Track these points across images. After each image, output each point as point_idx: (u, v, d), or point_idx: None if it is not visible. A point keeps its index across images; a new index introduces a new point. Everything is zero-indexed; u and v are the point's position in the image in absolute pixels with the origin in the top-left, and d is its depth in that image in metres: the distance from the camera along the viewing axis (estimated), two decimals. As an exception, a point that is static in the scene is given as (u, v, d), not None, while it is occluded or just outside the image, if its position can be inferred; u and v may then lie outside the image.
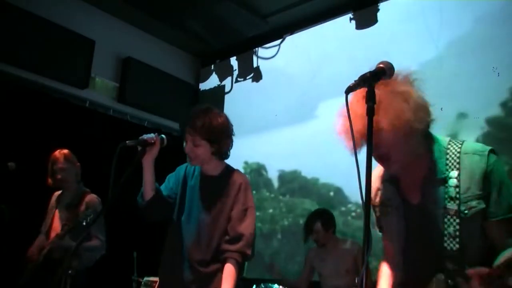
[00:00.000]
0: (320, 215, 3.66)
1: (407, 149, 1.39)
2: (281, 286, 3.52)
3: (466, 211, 1.36)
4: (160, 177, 2.35)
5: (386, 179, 1.57)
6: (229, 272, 2.10)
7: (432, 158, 1.45)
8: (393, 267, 1.61)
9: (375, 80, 1.21)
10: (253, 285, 3.62)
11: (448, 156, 1.43)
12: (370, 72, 1.22)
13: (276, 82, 5.10)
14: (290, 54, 5.04)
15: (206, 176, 2.29)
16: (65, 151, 3.38)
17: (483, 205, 1.36)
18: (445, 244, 1.36)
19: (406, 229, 1.50)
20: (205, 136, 2.16)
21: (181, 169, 2.38)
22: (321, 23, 4.78)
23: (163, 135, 2.18)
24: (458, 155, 1.41)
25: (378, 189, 1.59)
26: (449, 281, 1.34)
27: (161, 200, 2.23)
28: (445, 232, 1.37)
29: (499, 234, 1.37)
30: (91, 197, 3.33)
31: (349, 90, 1.21)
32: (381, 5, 4.29)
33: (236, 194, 2.21)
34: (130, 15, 4.93)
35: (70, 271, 3.07)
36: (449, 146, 1.45)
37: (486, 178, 1.37)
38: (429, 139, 1.47)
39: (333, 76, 4.46)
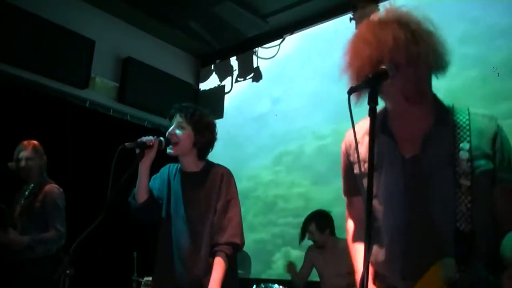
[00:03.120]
0: (315, 216, 3.68)
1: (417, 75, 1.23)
2: (281, 286, 3.52)
3: (474, 171, 1.22)
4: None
5: (380, 130, 1.35)
6: (218, 263, 2.09)
7: (436, 110, 1.31)
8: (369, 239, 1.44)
9: (378, 81, 1.18)
10: (253, 285, 3.62)
11: (456, 120, 1.28)
12: (373, 74, 1.19)
13: (276, 82, 5.10)
14: (290, 54, 5.04)
15: (186, 172, 2.28)
16: (35, 141, 3.32)
17: (491, 166, 1.24)
18: (458, 224, 1.20)
19: (398, 191, 1.28)
20: (192, 122, 2.22)
21: (164, 170, 2.37)
22: (321, 23, 4.79)
23: (161, 138, 2.19)
24: (467, 120, 1.28)
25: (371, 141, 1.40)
26: (461, 266, 1.18)
27: (154, 202, 2.24)
28: (457, 210, 1.21)
29: (509, 205, 1.25)
30: (51, 187, 3.26)
31: (351, 91, 1.19)
32: (381, 5, 4.28)
33: (219, 185, 2.22)
34: (130, 15, 4.93)
35: (68, 271, 3.08)
36: (455, 111, 1.31)
37: (496, 140, 1.26)
38: (428, 89, 1.31)
39: (333, 76, 4.46)
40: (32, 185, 3.26)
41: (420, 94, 1.25)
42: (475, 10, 3.69)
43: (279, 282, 3.70)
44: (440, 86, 1.43)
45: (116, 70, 4.94)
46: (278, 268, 4.35)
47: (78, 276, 3.21)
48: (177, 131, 2.21)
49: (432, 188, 1.26)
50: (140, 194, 2.18)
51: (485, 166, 1.24)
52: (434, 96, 1.34)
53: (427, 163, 1.27)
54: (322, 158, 4.54)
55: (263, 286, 3.54)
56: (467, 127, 1.26)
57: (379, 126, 1.34)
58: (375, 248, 1.36)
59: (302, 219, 3.80)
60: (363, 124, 1.36)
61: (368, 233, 1.06)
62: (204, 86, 5.78)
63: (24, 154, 3.24)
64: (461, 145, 1.24)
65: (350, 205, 1.55)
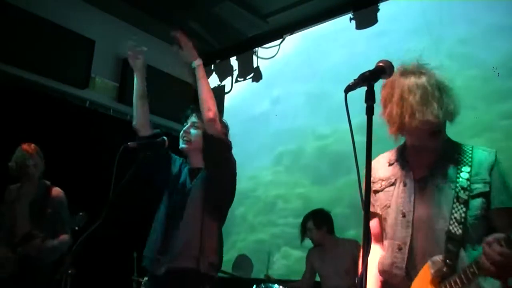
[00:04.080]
0: (313, 214, 3.72)
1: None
2: (281, 287, 3.53)
3: (472, 190, 1.49)
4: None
5: (399, 157, 1.67)
6: None
7: (445, 147, 1.59)
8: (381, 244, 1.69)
9: (375, 79, 1.22)
10: (253, 285, 3.62)
11: (461, 151, 1.58)
12: (369, 71, 1.24)
13: (276, 82, 5.11)
14: (290, 54, 5.04)
15: (193, 168, 2.32)
16: (34, 145, 3.33)
17: (487, 189, 1.49)
18: (450, 228, 1.46)
19: (409, 201, 1.56)
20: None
21: (176, 159, 2.41)
22: (321, 23, 4.79)
23: (164, 137, 2.22)
24: (470, 152, 1.57)
25: (389, 165, 1.69)
26: (448, 261, 1.42)
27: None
28: (452, 216, 1.47)
29: (503, 223, 1.47)
30: (57, 192, 3.31)
31: (348, 89, 1.21)
32: (381, 5, 4.28)
33: None
34: (130, 15, 4.93)
35: (70, 271, 3.09)
36: (461, 145, 1.61)
37: (493, 169, 1.52)
38: (443, 135, 1.60)
39: (333, 76, 4.47)
40: (34, 191, 3.28)
41: (439, 132, 1.56)
42: (475, 10, 3.69)
43: (279, 282, 3.70)
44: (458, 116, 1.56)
45: (116, 70, 4.93)
46: (278, 268, 4.35)
47: (79, 276, 3.22)
48: (192, 130, 2.28)
49: (435, 199, 1.53)
50: (144, 126, 2.28)
51: (482, 188, 1.50)
52: (447, 138, 1.63)
53: (432, 183, 1.55)
54: (322, 158, 4.55)
55: (263, 286, 3.55)
56: (470, 156, 1.55)
57: (399, 155, 1.68)
58: (382, 255, 1.62)
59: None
60: (384, 155, 1.74)
61: (366, 233, 1.07)
62: (204, 86, 5.77)
63: (30, 161, 3.25)
64: (463, 168, 1.53)
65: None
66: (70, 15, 4.48)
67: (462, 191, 1.48)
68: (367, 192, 1.16)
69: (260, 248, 4.72)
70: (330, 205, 3.95)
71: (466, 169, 1.52)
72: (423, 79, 1.52)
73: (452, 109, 1.52)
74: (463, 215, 1.46)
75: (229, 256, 4.83)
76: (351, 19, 4.44)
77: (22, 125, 3.90)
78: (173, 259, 2.12)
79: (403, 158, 1.66)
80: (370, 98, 1.14)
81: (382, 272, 1.61)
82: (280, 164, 4.94)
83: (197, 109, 2.33)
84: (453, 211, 1.47)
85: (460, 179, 1.51)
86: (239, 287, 4.21)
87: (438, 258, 1.44)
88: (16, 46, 4.02)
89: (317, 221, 3.65)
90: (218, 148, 2.19)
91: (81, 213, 3.25)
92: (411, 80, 1.52)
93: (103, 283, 4.01)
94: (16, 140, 3.44)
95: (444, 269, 1.41)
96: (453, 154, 1.57)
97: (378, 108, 1.46)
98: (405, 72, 1.56)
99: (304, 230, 3.71)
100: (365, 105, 1.17)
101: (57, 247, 3.14)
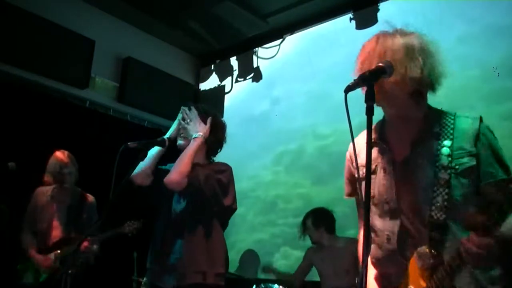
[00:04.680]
0: (313, 212, 3.75)
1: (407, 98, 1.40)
2: (281, 286, 3.53)
3: (457, 166, 1.36)
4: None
5: (379, 137, 1.53)
6: None
7: (427, 118, 1.47)
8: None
9: (375, 79, 1.22)
10: (253, 285, 3.62)
11: (443, 122, 1.44)
12: (369, 71, 1.24)
13: (276, 82, 5.11)
14: (290, 54, 5.04)
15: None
16: (68, 152, 3.45)
17: (474, 162, 1.36)
18: (432, 213, 1.35)
19: (391, 188, 1.45)
20: (205, 121, 2.29)
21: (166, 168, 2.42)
22: (321, 23, 4.79)
23: (164, 137, 2.23)
24: (452, 121, 1.43)
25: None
26: (433, 251, 1.34)
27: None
28: (434, 200, 1.35)
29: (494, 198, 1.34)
30: (91, 198, 3.49)
31: (348, 89, 1.21)
32: (381, 5, 4.28)
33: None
34: (130, 15, 4.93)
35: (70, 271, 3.11)
36: (443, 115, 1.47)
37: (479, 139, 1.38)
38: (425, 102, 1.48)
39: (333, 76, 4.46)
40: (70, 196, 3.42)
41: (421, 94, 1.43)
42: (474, 10, 3.69)
43: (279, 282, 3.70)
44: (440, 86, 1.47)
45: (116, 70, 4.93)
46: (278, 268, 4.34)
47: (79, 275, 3.23)
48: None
49: (417, 183, 1.40)
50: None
51: (468, 163, 1.36)
52: (429, 107, 1.50)
53: (414, 163, 1.43)
54: (323, 158, 4.54)
55: (263, 286, 3.55)
56: (451, 127, 1.41)
57: (377, 135, 1.54)
58: (373, 248, 1.52)
59: (302, 219, 3.82)
60: (364, 135, 1.51)
61: (366, 233, 1.07)
62: (204, 86, 5.78)
63: (67, 170, 3.38)
64: (444, 142, 1.39)
65: (358, 204, 1.69)
66: (70, 15, 4.48)
67: (442, 171, 1.35)
68: (367, 192, 1.15)
69: (260, 248, 4.72)
70: (330, 205, 3.94)
71: (447, 143, 1.38)
72: (410, 37, 1.40)
73: (438, 72, 1.39)
74: (445, 197, 1.33)
75: (229, 256, 4.82)
76: (351, 19, 4.45)
77: (22, 125, 3.90)
78: (181, 276, 2.13)
79: (382, 138, 1.52)
80: (370, 98, 1.14)
81: (376, 265, 1.54)
82: (280, 164, 4.94)
83: (196, 107, 2.35)
84: (434, 194, 1.35)
85: (441, 156, 1.37)
86: (239, 287, 4.20)
87: (422, 249, 1.36)
88: (16, 46, 4.02)
89: (316, 220, 3.66)
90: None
91: (134, 221, 3.31)
92: (396, 37, 1.40)
93: (103, 283, 4.01)
94: (15, 140, 3.44)
95: (431, 261, 1.33)
96: (434, 126, 1.43)
97: (378, 108, 1.42)
98: (390, 33, 1.44)
99: (303, 228, 3.73)
100: (365, 105, 1.18)
101: (96, 251, 3.31)
